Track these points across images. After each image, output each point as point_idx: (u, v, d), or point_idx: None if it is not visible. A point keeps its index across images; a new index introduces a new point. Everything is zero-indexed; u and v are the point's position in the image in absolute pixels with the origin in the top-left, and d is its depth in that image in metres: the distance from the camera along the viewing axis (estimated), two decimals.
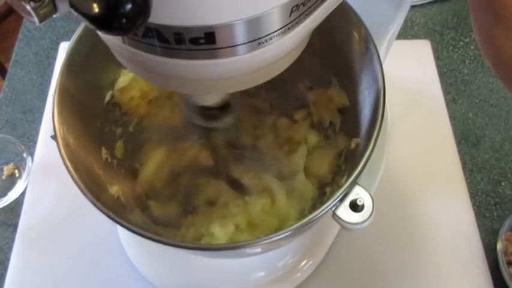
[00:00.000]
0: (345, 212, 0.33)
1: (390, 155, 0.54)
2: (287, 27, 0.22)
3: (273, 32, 0.22)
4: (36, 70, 0.67)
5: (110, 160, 0.44)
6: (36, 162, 0.58)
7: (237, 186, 0.48)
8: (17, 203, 0.56)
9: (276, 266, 0.49)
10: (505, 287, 0.49)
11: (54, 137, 0.35)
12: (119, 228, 0.52)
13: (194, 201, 0.48)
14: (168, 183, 0.49)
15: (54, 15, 0.18)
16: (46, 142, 0.59)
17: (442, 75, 0.64)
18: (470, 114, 0.61)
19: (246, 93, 0.49)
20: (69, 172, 0.34)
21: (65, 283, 0.51)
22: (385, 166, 0.52)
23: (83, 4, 0.16)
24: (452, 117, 0.61)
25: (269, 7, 0.20)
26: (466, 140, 0.59)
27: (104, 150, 0.44)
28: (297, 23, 0.23)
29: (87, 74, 0.40)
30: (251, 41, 0.22)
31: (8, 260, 0.52)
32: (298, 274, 0.49)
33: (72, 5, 0.17)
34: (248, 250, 0.38)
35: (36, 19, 0.17)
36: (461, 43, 0.67)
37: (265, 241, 0.32)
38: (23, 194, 0.56)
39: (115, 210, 0.35)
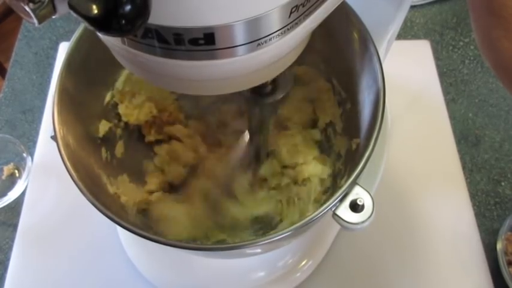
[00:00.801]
0: (345, 212, 0.33)
1: (390, 155, 0.54)
2: (287, 28, 0.22)
3: (273, 33, 0.22)
4: (36, 70, 0.67)
5: (109, 160, 0.44)
6: (36, 162, 0.58)
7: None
8: (17, 203, 0.56)
9: (276, 266, 0.49)
10: (505, 287, 0.49)
11: (54, 137, 0.35)
12: (119, 228, 0.52)
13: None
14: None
15: (53, 16, 0.18)
16: (46, 142, 0.59)
17: (442, 75, 0.64)
18: (470, 114, 0.61)
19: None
20: (69, 172, 0.34)
21: (65, 283, 0.51)
22: (385, 166, 0.52)
23: (82, 5, 0.16)
24: (452, 117, 0.61)
25: (269, 8, 0.20)
26: (466, 140, 0.59)
27: (103, 150, 0.44)
28: (296, 23, 0.23)
29: (87, 74, 0.40)
30: (250, 42, 0.22)
31: (8, 260, 0.52)
32: (298, 274, 0.49)
33: (71, 6, 0.17)
34: (248, 250, 0.38)
35: (35, 20, 0.17)
36: (461, 43, 0.67)
37: (265, 241, 0.32)
38: (23, 194, 0.56)
39: (114, 210, 0.35)
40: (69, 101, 0.38)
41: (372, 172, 0.51)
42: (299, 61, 0.28)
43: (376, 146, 0.34)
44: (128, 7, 0.16)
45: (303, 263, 0.49)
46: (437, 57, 0.66)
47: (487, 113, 0.61)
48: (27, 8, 0.17)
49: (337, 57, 0.43)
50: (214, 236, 0.45)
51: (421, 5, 0.71)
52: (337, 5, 0.25)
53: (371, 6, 0.39)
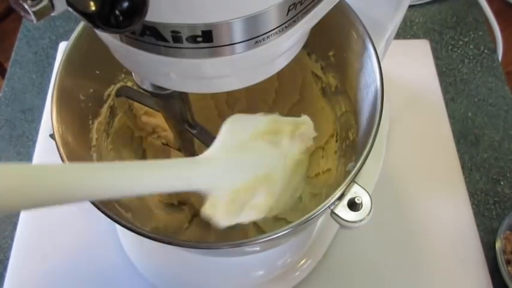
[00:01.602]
0: (343, 211, 0.33)
1: (389, 154, 0.54)
2: (284, 26, 0.22)
3: (271, 31, 0.22)
4: (36, 70, 0.67)
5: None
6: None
7: None
8: None
9: (275, 265, 0.49)
10: (504, 286, 0.49)
11: (52, 136, 0.35)
12: (119, 227, 0.52)
13: None
14: None
15: (51, 14, 0.18)
16: (46, 141, 0.59)
17: (441, 74, 0.64)
18: (469, 114, 0.61)
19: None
20: None
21: (64, 283, 0.51)
22: (383, 165, 0.52)
23: (79, 2, 0.16)
24: (451, 116, 0.61)
25: (266, 5, 0.20)
26: (465, 139, 0.59)
27: None
28: (294, 21, 0.23)
29: (86, 73, 0.40)
30: (248, 40, 0.22)
31: (8, 259, 0.52)
32: (297, 273, 0.49)
33: (69, 3, 0.17)
34: (247, 248, 0.38)
35: (33, 17, 0.17)
36: (461, 42, 0.67)
37: (263, 239, 0.32)
38: None
39: (113, 208, 0.35)
40: (68, 100, 0.38)
41: (370, 171, 0.51)
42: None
43: (375, 145, 0.34)
44: (126, 3, 0.16)
45: (302, 262, 0.49)
46: (437, 57, 0.66)
47: (486, 112, 0.61)
48: (25, 5, 0.17)
49: (335, 56, 0.43)
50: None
51: (421, 4, 0.71)
52: (335, 3, 0.25)
53: (370, 5, 0.39)
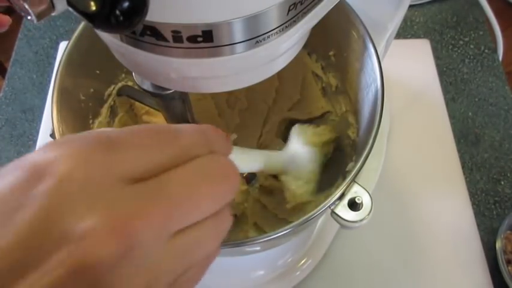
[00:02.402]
0: (343, 210, 0.33)
1: (389, 153, 0.54)
2: (285, 26, 0.22)
3: (271, 31, 0.22)
4: (36, 69, 0.67)
5: None
6: None
7: None
8: None
9: (276, 265, 0.49)
10: (504, 286, 0.49)
11: (53, 136, 0.35)
12: None
13: None
14: None
15: (52, 13, 0.18)
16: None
17: (442, 74, 0.64)
18: (470, 113, 0.61)
19: None
20: None
21: None
22: (384, 165, 0.52)
23: (80, 2, 0.16)
24: (451, 116, 0.61)
25: (267, 5, 0.20)
26: (466, 139, 0.59)
27: None
28: (294, 21, 0.23)
29: (86, 72, 0.41)
30: (249, 39, 0.22)
31: None
32: (298, 273, 0.49)
33: (69, 3, 0.17)
34: (247, 248, 0.38)
35: (33, 17, 0.17)
36: (461, 42, 0.67)
37: (264, 239, 0.32)
38: None
39: None
40: (69, 100, 0.38)
41: (370, 171, 0.51)
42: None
43: (375, 145, 0.34)
44: (126, 3, 0.16)
45: (303, 261, 0.49)
46: (437, 56, 0.66)
47: (486, 112, 0.61)
48: (25, 5, 0.17)
49: (335, 56, 0.43)
50: None
51: (421, 4, 0.71)
52: (335, 3, 0.25)
53: (370, 5, 0.39)
